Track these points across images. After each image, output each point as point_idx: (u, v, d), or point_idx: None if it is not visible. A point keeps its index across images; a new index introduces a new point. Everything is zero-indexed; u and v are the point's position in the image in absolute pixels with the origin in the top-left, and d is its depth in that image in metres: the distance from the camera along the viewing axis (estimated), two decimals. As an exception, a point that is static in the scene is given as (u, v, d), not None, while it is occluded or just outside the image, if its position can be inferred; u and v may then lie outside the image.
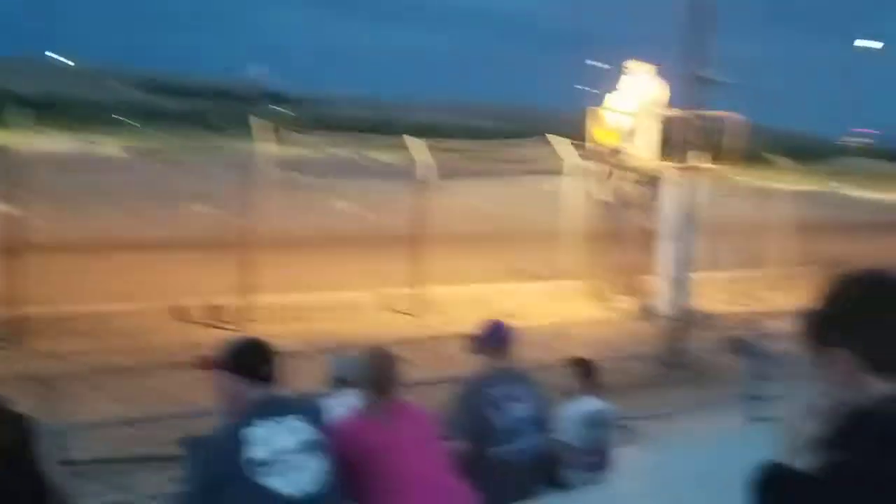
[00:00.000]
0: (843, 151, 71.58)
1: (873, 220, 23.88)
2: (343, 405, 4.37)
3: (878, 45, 75.48)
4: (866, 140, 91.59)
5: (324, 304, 14.76)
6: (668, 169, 16.77)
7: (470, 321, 5.24)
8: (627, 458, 6.23)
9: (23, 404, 3.74)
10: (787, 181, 23.75)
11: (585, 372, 5.58)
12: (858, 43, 73.09)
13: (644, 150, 17.69)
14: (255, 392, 3.30)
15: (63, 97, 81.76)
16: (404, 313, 15.59)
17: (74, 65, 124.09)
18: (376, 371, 3.78)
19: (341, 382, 4.77)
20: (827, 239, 22.65)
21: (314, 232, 18.37)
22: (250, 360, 3.35)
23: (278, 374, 3.39)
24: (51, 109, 51.63)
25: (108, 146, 43.45)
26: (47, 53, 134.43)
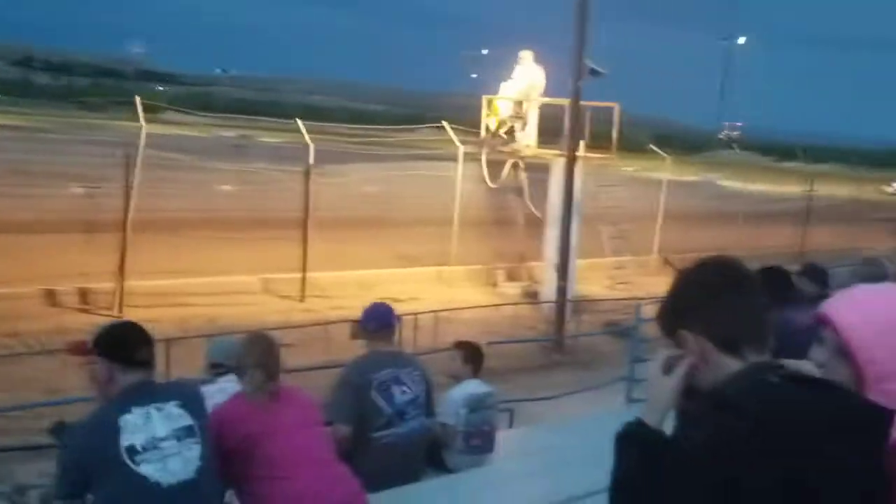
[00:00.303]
0: (719, 144, 74.45)
1: (748, 211, 24.93)
2: (222, 390, 4.26)
3: (741, 40, 78.98)
4: (736, 133, 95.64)
5: (206, 288, 14.39)
6: (554, 157, 17.07)
7: (356, 306, 5.18)
8: (511, 441, 6.32)
9: None
10: (667, 171, 24.53)
11: (471, 356, 5.61)
12: (725, 38, 76.36)
13: (532, 138, 17.96)
14: (131, 378, 3.17)
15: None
16: (290, 298, 15.38)
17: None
18: (256, 355, 3.70)
19: (220, 367, 4.64)
20: (704, 227, 23.53)
21: (197, 215, 17.86)
22: (125, 345, 3.22)
23: (154, 360, 3.27)
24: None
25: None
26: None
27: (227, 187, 17.93)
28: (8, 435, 8.47)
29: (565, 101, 15.84)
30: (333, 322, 11.94)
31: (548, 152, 17.94)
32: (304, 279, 15.48)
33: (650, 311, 11.58)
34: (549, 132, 19.19)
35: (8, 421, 8.80)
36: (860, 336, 1.77)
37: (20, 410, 8.86)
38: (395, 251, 18.09)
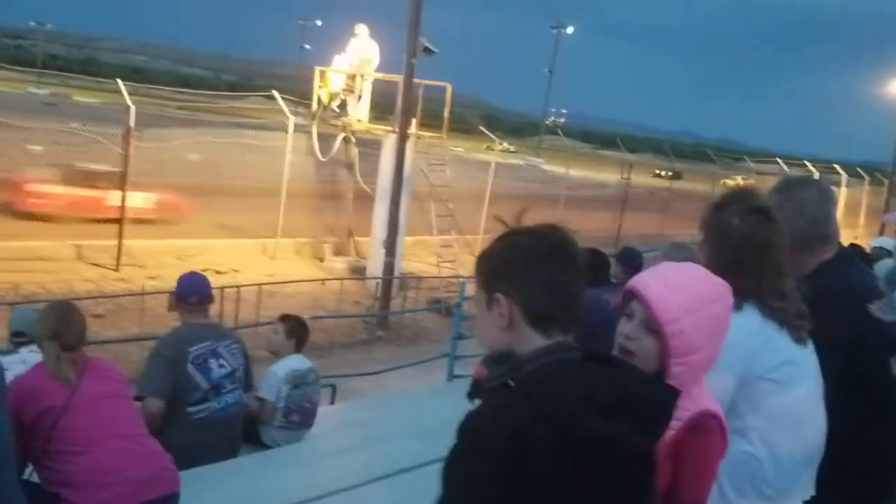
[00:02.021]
0: (544, 129, 76.92)
1: (569, 195, 25.91)
2: (24, 361, 4.03)
3: (570, 29, 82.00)
4: (562, 120, 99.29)
5: (10, 253, 13.47)
6: (386, 133, 17.09)
7: (174, 276, 4.98)
8: (333, 416, 6.30)
9: None
10: (494, 154, 25.11)
11: (293, 330, 5.51)
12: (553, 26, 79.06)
13: (364, 113, 17.89)
14: None
15: None
16: (103, 266, 14.64)
17: None
18: (51, 325, 3.48)
19: (22, 337, 4.35)
20: (530, 209, 24.16)
21: (4, 175, 16.67)
22: None
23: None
24: None
25: None
26: None
27: (38, 147, 16.80)
28: None
29: (398, 78, 15.86)
30: (149, 293, 11.48)
31: (380, 128, 17.94)
32: (119, 247, 14.77)
33: (473, 288, 11.88)
34: (381, 108, 19.19)
35: None
36: (668, 309, 1.84)
37: None
38: (217, 221, 17.59)
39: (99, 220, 15.20)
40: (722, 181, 32.92)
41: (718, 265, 2.15)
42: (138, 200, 15.98)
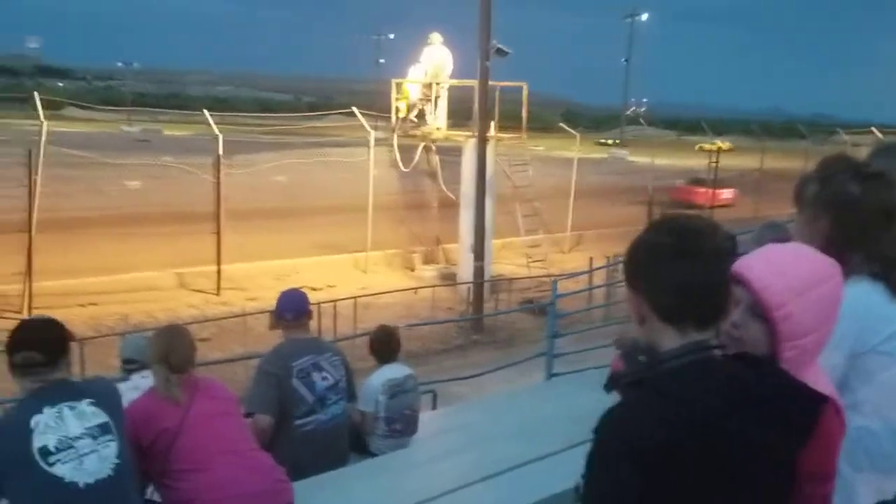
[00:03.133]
0: (625, 121, 75.88)
1: (657, 184, 25.49)
2: (136, 387, 4.19)
3: (644, 17, 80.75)
4: (643, 109, 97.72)
5: (117, 286, 14.05)
6: (466, 139, 17.18)
7: (272, 297, 5.14)
8: (435, 421, 6.37)
9: None
10: (576, 149, 24.94)
11: (389, 340, 5.61)
12: (627, 16, 78.01)
13: (442, 120, 18.03)
14: (29, 380, 3.09)
15: None
16: (205, 292, 15.13)
17: None
18: (168, 349, 3.64)
19: (133, 364, 4.56)
20: (616, 202, 23.93)
21: (105, 212, 17.40)
22: (9, 350, 3.12)
23: (60, 358, 3.18)
24: None
25: None
26: None
27: (134, 183, 17.49)
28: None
29: (474, 82, 15.92)
30: (250, 314, 11.81)
31: (459, 134, 18.04)
32: (219, 272, 15.24)
33: (566, 287, 11.80)
34: (458, 114, 19.30)
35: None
36: (774, 293, 1.77)
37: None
38: (309, 240, 17.96)
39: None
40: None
41: (842, 238, 2.09)
42: (727, 194, 30.75)
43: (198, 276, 15.42)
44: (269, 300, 5.42)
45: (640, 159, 36.24)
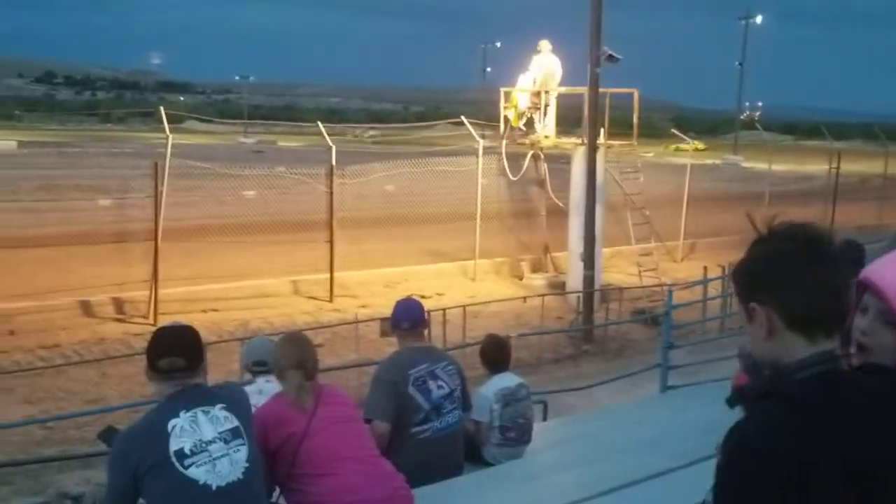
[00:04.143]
0: (739, 125, 73.79)
1: (773, 191, 24.66)
2: (261, 391, 4.32)
3: (759, 19, 78.32)
4: (758, 114, 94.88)
5: (237, 293, 14.54)
6: (575, 146, 17.05)
7: (384, 304, 5.23)
8: (547, 432, 6.34)
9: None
10: (688, 155, 24.39)
11: (500, 349, 5.63)
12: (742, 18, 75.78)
13: (551, 128, 17.95)
14: (165, 385, 3.23)
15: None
16: (318, 299, 15.48)
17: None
18: (293, 356, 3.74)
19: (258, 369, 4.70)
20: (730, 210, 23.24)
21: (224, 221, 18.02)
22: (149, 356, 3.27)
23: (196, 364, 3.32)
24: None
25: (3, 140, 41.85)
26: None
27: (251, 193, 18.04)
28: (50, 445, 8.62)
29: (583, 89, 15.79)
30: (363, 321, 12.02)
31: (568, 142, 17.92)
32: (331, 280, 15.57)
33: (680, 297, 11.56)
34: (567, 121, 19.17)
35: (49, 431, 8.96)
36: None
37: (61, 420, 9.01)
38: (419, 248, 18.15)
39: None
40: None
41: None
42: None
43: (312, 284, 15.79)
44: (380, 307, 5.53)
45: (756, 165, 35.14)
